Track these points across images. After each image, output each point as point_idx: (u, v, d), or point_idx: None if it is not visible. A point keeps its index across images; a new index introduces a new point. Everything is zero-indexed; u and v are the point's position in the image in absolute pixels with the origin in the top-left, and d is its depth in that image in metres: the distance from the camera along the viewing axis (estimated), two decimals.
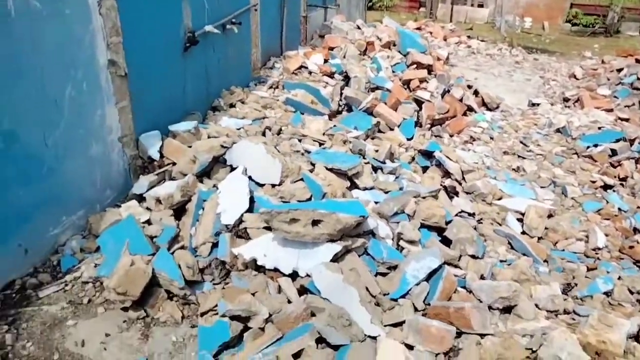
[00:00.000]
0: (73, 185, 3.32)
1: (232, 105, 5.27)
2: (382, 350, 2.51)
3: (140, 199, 3.62)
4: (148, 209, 3.49)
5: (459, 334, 2.67)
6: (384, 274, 3.04)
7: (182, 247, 3.16)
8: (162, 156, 3.90)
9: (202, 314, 2.80)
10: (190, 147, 3.89)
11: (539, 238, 4.07)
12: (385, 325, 2.69)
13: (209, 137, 4.10)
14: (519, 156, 5.86)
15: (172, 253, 3.05)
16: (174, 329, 2.80)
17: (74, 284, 3.01)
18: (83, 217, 3.44)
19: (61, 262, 3.16)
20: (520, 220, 4.18)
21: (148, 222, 3.34)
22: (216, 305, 2.75)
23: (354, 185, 3.94)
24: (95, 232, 3.36)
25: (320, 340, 2.58)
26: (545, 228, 4.15)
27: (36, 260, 3.11)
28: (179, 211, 3.47)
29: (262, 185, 3.62)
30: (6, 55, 2.72)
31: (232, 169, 3.79)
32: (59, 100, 3.11)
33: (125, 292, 2.73)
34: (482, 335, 2.67)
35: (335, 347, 2.55)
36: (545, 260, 3.70)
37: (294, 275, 2.94)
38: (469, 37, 13.78)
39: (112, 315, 2.81)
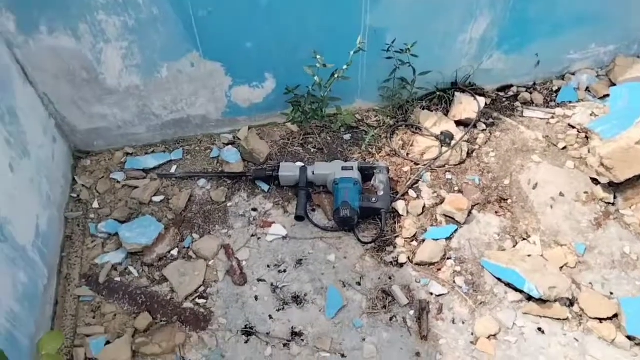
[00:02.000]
0: (617, 12, 2.63)
1: None
2: None
3: None
4: None
5: None
6: None
7: None
8: None
9: None
10: None
11: None
12: None
13: None
14: None
15: None
16: (632, 241, 2.22)
17: (559, 120, 2.68)
18: (611, 54, 2.84)
19: (561, 91, 2.81)
20: None
21: None
22: None
23: None
24: (615, 78, 2.76)
25: None
26: None
27: (540, 76, 2.86)
28: None
29: None
30: None
31: None
32: None
33: (610, 168, 2.22)
34: None
35: None
36: None
37: None
38: None
39: (579, 178, 2.41)
